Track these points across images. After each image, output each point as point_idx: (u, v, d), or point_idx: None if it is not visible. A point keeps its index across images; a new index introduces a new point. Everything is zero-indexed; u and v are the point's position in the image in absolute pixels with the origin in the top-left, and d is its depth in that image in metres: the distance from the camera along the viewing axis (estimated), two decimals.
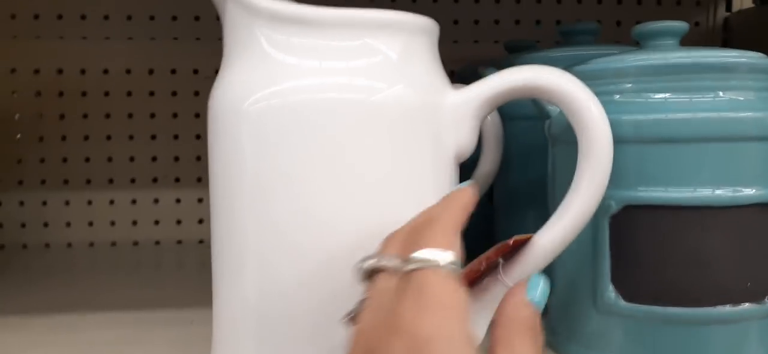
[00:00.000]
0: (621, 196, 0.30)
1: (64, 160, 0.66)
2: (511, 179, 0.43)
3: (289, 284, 0.28)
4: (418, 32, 0.30)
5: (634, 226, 0.30)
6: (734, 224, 0.29)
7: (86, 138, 0.66)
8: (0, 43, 0.64)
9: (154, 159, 0.67)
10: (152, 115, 0.66)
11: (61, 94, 0.65)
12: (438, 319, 0.20)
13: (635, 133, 0.30)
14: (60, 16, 0.65)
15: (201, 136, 0.67)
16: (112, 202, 0.67)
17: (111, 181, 0.67)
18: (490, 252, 0.27)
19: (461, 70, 0.56)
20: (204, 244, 0.67)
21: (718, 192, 0.29)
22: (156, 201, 0.67)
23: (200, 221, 0.68)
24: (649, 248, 0.30)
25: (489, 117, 0.37)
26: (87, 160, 0.66)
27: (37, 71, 0.65)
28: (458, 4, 0.68)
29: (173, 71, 0.66)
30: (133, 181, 0.67)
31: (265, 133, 0.28)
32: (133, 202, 0.67)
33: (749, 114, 0.29)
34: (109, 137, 0.66)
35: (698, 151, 0.29)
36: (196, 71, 0.66)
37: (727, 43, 0.70)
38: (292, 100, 0.27)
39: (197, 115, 0.67)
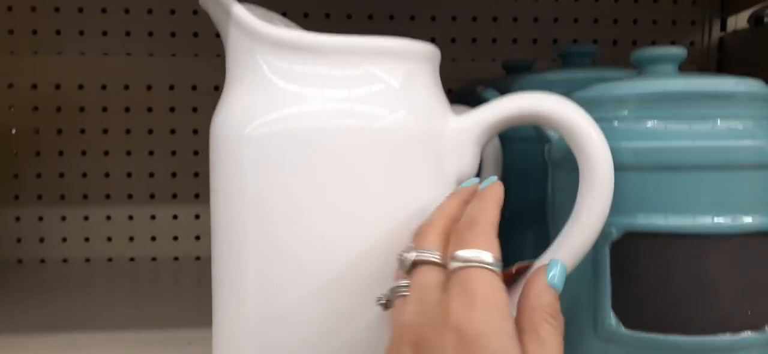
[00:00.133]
0: (621, 223, 0.30)
1: (61, 175, 0.66)
2: (510, 200, 0.43)
3: (290, 308, 0.28)
4: (419, 59, 0.30)
5: (635, 253, 0.30)
6: (734, 252, 0.29)
7: (83, 153, 0.66)
8: None
9: (151, 175, 0.67)
10: (150, 131, 0.66)
11: (58, 109, 0.65)
12: (486, 315, 0.21)
13: (635, 160, 0.30)
14: (58, 32, 0.65)
15: (199, 153, 0.67)
16: (108, 217, 0.67)
17: (108, 196, 0.66)
18: None
19: (460, 90, 0.56)
20: (201, 260, 0.67)
21: (718, 220, 0.29)
22: (153, 217, 0.67)
23: (197, 238, 0.68)
24: (650, 275, 0.30)
25: None
26: (84, 175, 0.66)
27: (34, 86, 0.65)
28: (456, 23, 0.68)
29: (171, 87, 0.66)
30: (130, 196, 0.67)
31: (267, 158, 0.28)
32: (130, 218, 0.67)
33: (748, 142, 0.29)
34: (106, 153, 0.66)
35: (697, 179, 0.29)
36: (194, 88, 0.66)
37: (722, 63, 0.70)
38: (294, 126, 0.27)
39: (195, 132, 0.67)
